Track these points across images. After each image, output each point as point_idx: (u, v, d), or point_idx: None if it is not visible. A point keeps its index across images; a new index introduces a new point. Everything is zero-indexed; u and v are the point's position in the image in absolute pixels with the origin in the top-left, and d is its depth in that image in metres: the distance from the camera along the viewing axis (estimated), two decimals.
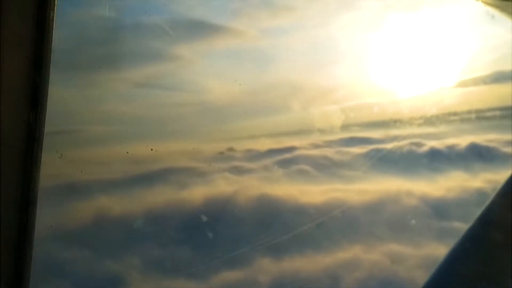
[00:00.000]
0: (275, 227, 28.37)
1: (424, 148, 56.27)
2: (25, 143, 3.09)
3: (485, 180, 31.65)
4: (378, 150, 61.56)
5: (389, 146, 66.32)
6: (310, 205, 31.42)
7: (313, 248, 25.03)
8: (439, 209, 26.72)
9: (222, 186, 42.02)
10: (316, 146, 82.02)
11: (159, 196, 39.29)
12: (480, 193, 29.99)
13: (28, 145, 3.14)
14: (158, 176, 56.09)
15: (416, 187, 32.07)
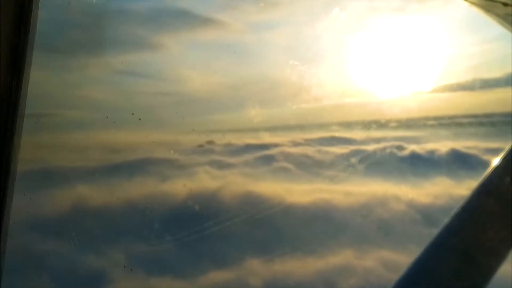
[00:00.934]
0: (263, 228, 27.85)
1: (406, 152, 56.63)
2: (4, 125, 2.82)
3: (471, 188, 31.84)
4: (359, 151, 61.66)
5: (370, 148, 66.41)
6: (298, 205, 31.04)
7: (304, 252, 24.61)
8: (429, 216, 26.61)
9: (205, 180, 41.30)
10: (296, 143, 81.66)
11: (141, 188, 38.35)
12: None
13: (6, 128, 2.86)
14: (137, 166, 54.84)
15: (402, 192, 31.99)
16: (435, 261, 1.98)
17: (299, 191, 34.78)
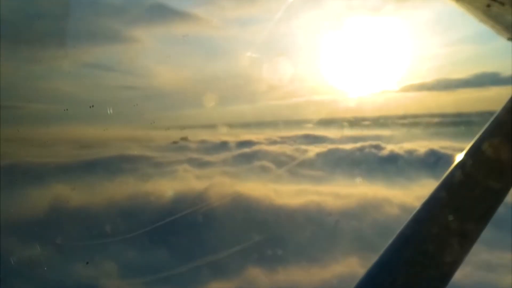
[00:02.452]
0: (257, 233, 26.88)
1: (385, 152, 57.00)
2: None
3: None
4: (337, 151, 61.83)
5: (347, 147, 66.71)
6: (289, 208, 30.24)
7: (306, 260, 23.82)
8: None
9: (187, 180, 40.08)
10: (272, 141, 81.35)
11: (123, 188, 36.79)
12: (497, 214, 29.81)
13: None
14: (111, 163, 53.11)
15: (391, 194, 31.63)
16: (396, 257, 1.86)
17: (287, 192, 34.02)
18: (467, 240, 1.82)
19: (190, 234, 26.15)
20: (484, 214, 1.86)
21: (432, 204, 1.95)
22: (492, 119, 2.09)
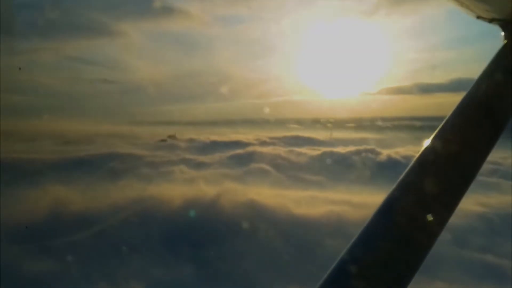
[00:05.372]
0: (289, 248, 25.45)
1: (382, 157, 56.51)
2: None
3: (478, 203, 31.28)
4: (331, 154, 61.01)
5: (341, 150, 66.05)
6: (310, 219, 29.00)
7: None
8: (460, 236, 25.53)
9: (190, 183, 38.36)
10: (262, 142, 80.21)
11: (120, 190, 34.78)
12: (482, 218, 29.42)
13: None
14: (102, 162, 50.82)
15: None
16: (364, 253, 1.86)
17: (299, 200, 32.82)
18: (429, 237, 1.81)
19: (212, 247, 24.65)
20: (443, 211, 1.88)
21: (391, 202, 1.92)
22: (445, 120, 2.13)
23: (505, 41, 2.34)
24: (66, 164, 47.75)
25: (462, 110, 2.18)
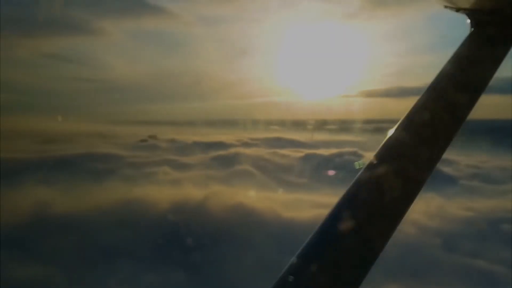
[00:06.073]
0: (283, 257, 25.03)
1: (365, 160, 56.82)
2: None
3: (464, 208, 31.53)
4: (315, 156, 61.07)
5: (323, 152, 66.20)
6: (300, 223, 28.67)
7: None
8: (450, 242, 25.62)
9: (175, 185, 37.74)
10: (244, 143, 79.90)
11: (105, 192, 33.96)
12: (469, 222, 29.64)
13: None
14: (82, 162, 49.73)
15: None
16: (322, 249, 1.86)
17: (285, 203, 32.57)
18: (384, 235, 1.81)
19: (201, 251, 24.15)
20: (397, 210, 1.88)
21: (347, 200, 1.92)
22: (402, 118, 2.11)
23: (471, 30, 2.38)
24: (44, 164, 46.41)
25: (426, 100, 2.18)
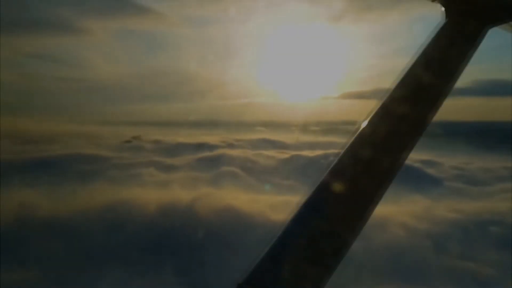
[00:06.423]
0: None
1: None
2: None
3: (452, 210, 31.84)
4: (300, 158, 61.28)
5: (308, 153, 66.48)
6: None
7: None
8: (441, 244, 25.82)
9: (161, 187, 37.42)
10: (230, 144, 79.87)
11: (91, 194, 33.49)
12: (457, 224, 29.92)
13: None
14: (66, 163, 49.09)
15: (385, 211, 30.91)
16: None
17: (274, 205, 32.43)
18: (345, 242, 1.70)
19: (192, 254, 23.94)
20: (358, 216, 1.78)
21: (313, 199, 2.03)
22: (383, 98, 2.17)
23: (446, 19, 2.40)
24: (27, 165, 45.64)
25: (399, 89, 2.21)
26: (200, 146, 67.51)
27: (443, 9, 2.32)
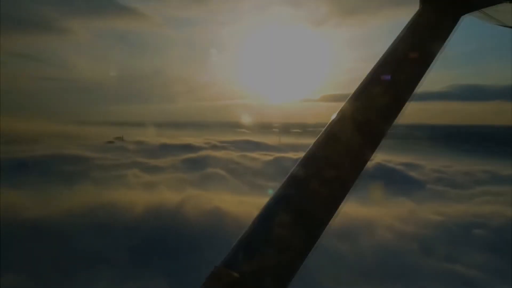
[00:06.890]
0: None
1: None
2: None
3: (435, 212, 32.43)
4: (284, 159, 61.59)
5: (292, 155, 66.91)
6: None
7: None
8: (429, 247, 26.25)
9: (146, 189, 37.27)
10: (213, 146, 79.67)
11: (74, 196, 33.15)
12: (441, 226, 30.48)
13: None
14: (48, 163, 48.55)
15: (370, 214, 31.34)
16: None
17: (260, 206, 32.53)
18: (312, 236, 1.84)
19: (179, 258, 23.97)
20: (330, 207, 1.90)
21: (275, 201, 1.95)
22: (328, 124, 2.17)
23: (420, 7, 2.40)
24: (8, 166, 44.95)
25: (371, 79, 2.19)
26: (183, 148, 67.31)
27: None
